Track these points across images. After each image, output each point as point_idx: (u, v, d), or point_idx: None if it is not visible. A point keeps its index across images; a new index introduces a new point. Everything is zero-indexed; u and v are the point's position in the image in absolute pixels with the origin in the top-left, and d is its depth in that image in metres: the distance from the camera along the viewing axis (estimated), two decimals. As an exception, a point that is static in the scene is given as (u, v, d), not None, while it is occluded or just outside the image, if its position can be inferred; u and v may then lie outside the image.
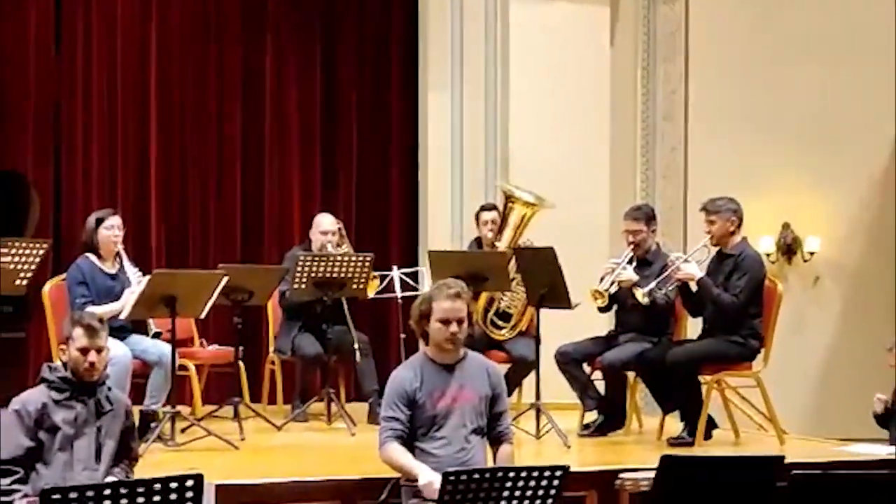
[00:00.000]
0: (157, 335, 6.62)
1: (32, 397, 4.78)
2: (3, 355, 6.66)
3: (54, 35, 8.48)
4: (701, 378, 6.74)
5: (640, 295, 6.75)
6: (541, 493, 4.46)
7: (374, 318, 8.47)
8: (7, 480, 4.62)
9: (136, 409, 6.63)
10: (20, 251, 6.20)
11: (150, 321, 6.70)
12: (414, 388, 4.98)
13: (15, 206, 7.09)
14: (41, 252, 6.31)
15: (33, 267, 6.28)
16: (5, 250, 6.14)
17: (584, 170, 8.63)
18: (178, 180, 8.82)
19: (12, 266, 6.17)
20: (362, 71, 9.27)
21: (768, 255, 9.14)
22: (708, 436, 6.72)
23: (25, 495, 4.64)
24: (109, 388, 4.93)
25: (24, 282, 6.28)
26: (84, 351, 4.76)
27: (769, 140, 9.04)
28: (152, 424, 6.54)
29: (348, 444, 6.80)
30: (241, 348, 7.30)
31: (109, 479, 4.73)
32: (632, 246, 7.00)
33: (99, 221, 6.86)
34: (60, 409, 4.76)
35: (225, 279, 6.59)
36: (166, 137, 8.76)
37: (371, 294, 7.53)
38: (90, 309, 6.60)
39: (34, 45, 8.41)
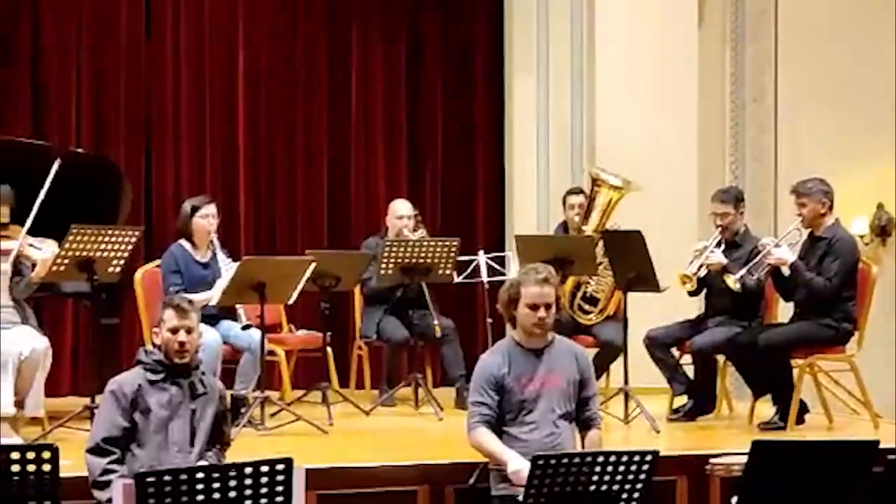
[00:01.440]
0: (247, 327, 6.67)
1: (128, 379, 4.85)
2: (98, 342, 6.77)
3: (144, 23, 8.58)
4: (793, 362, 6.66)
5: (732, 281, 6.69)
6: (630, 477, 4.44)
7: (460, 303, 8.47)
8: (104, 461, 4.70)
9: (226, 395, 6.75)
10: (114, 239, 6.29)
11: (241, 312, 6.75)
12: (502, 372, 4.98)
13: (108, 195, 7.19)
14: (133, 240, 6.39)
15: (126, 254, 6.36)
16: (100, 238, 6.23)
17: (671, 152, 8.53)
18: (265, 168, 8.89)
19: (106, 254, 6.27)
20: (447, 56, 9.25)
21: (862, 236, 8.96)
22: (800, 420, 6.64)
23: (122, 476, 4.71)
24: (203, 373, 4.98)
25: (118, 269, 6.37)
26: (174, 331, 4.81)
27: (860, 121, 8.86)
28: (242, 409, 6.61)
29: (436, 429, 6.83)
30: (328, 333, 7.35)
31: (202, 463, 4.79)
32: (719, 229, 6.93)
33: (194, 209, 6.93)
34: (155, 391, 4.81)
35: (312, 265, 6.63)
36: (254, 125, 8.83)
37: (456, 278, 7.53)
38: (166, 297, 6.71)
39: (125, 33, 8.51)
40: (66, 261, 6.18)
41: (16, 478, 4.02)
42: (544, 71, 9.01)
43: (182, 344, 4.83)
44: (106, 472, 4.69)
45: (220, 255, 6.89)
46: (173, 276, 6.80)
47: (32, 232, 6.27)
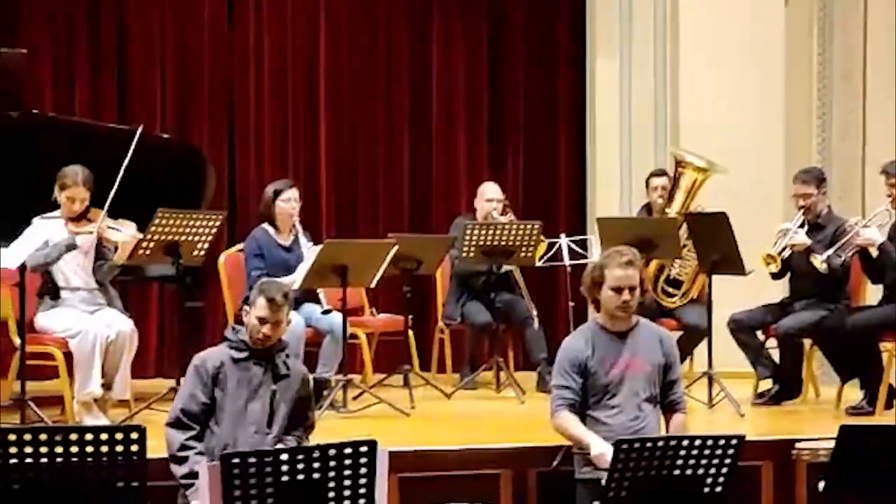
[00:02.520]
0: (327, 312, 6.71)
1: (213, 355, 4.89)
2: (183, 324, 6.85)
3: (227, 11, 8.64)
4: (881, 345, 6.55)
5: (818, 262, 6.58)
6: (716, 462, 4.39)
7: (542, 286, 8.44)
8: (183, 436, 4.75)
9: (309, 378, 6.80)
10: (198, 223, 6.36)
11: (322, 298, 6.79)
12: (586, 356, 4.96)
13: (192, 180, 7.27)
14: (217, 224, 6.47)
15: (210, 238, 6.44)
16: (185, 222, 6.30)
17: (756, 133, 8.40)
18: (347, 152, 8.91)
19: (191, 238, 6.34)
20: (529, 39, 9.19)
21: (952, 218, 8.77)
22: (889, 405, 6.53)
23: (200, 452, 4.75)
24: (288, 356, 5.00)
25: (202, 253, 6.44)
26: (261, 321, 4.83)
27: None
28: (325, 392, 6.65)
29: (518, 413, 6.81)
30: (410, 317, 7.37)
31: (280, 446, 4.81)
32: (802, 210, 6.83)
33: (277, 193, 6.98)
34: (237, 369, 4.84)
35: (394, 248, 6.64)
36: (335, 110, 8.86)
37: (537, 261, 7.51)
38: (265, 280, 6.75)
39: (208, 22, 8.58)
40: (152, 244, 6.27)
41: (104, 458, 4.07)
42: (627, 51, 8.91)
43: (266, 336, 4.85)
44: (183, 447, 4.74)
45: (302, 239, 6.93)
46: (256, 259, 6.86)
47: (119, 216, 6.36)
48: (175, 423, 4.79)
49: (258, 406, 4.84)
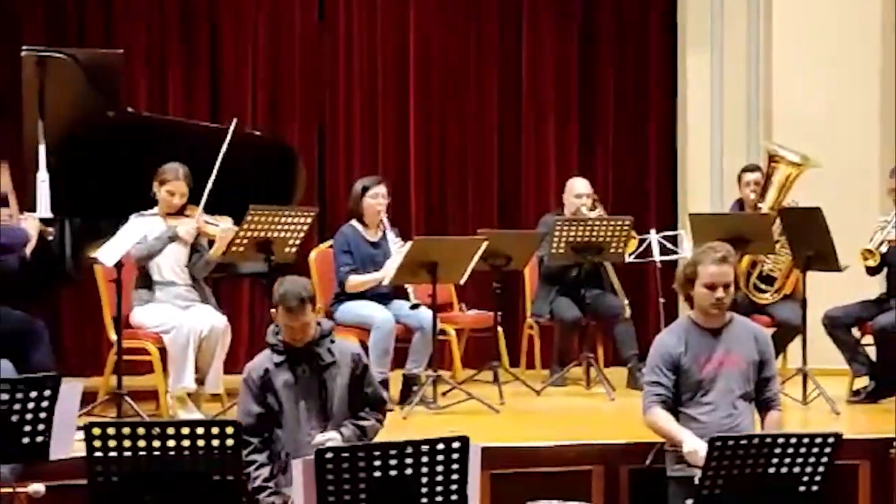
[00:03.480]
0: (415, 306, 6.73)
1: (256, 364, 4.89)
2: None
3: (318, 7, 8.70)
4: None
5: (915, 258, 6.47)
6: (812, 461, 4.32)
7: (632, 282, 8.37)
8: (244, 451, 4.66)
9: (399, 373, 6.84)
10: (290, 220, 6.41)
11: (411, 293, 6.81)
12: (679, 352, 4.92)
13: (283, 176, 7.33)
14: (309, 220, 6.52)
15: (302, 235, 6.49)
16: (277, 219, 6.36)
17: (852, 126, 8.25)
18: (436, 148, 8.92)
19: (283, 234, 6.39)
20: (619, 32, 9.13)
21: None
22: None
23: (261, 465, 4.75)
24: (332, 341, 4.91)
25: (294, 249, 6.50)
26: (288, 326, 4.79)
27: None
28: (414, 388, 6.67)
29: (608, 409, 6.78)
30: (499, 313, 7.36)
31: (345, 430, 4.78)
32: (897, 205, 6.72)
33: (365, 189, 7.02)
34: (281, 372, 4.83)
35: (484, 244, 6.64)
36: (425, 105, 8.87)
37: (627, 257, 7.46)
38: (353, 277, 6.80)
39: (299, 18, 8.64)
40: (244, 241, 6.33)
41: (201, 452, 4.13)
42: (719, 45, 8.80)
43: (298, 338, 4.80)
44: (245, 464, 4.68)
45: (390, 235, 6.97)
46: (344, 256, 6.90)
47: (211, 212, 6.44)
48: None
49: (312, 402, 4.82)
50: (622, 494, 5.43)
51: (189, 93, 8.48)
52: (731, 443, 4.27)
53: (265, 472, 4.74)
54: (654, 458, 5.12)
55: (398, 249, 6.76)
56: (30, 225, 6.08)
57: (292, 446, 4.73)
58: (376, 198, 6.98)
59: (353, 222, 7.02)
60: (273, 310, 4.87)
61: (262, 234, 6.34)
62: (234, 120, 6.59)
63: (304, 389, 4.83)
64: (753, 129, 8.64)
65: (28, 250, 5.96)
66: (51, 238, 6.21)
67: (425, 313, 6.67)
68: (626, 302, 7.41)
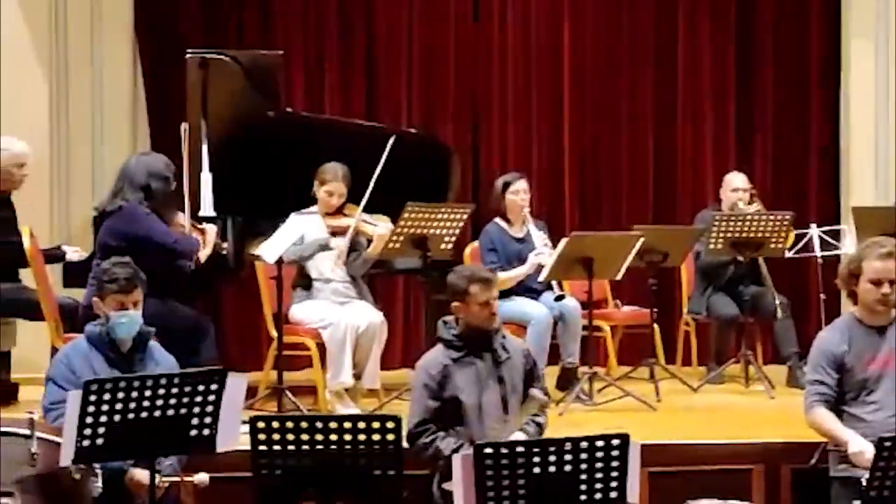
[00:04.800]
0: (560, 298, 6.72)
1: (432, 360, 4.94)
2: (430, 317, 6.93)
3: (472, 7, 8.73)
4: None
5: None
6: None
7: (792, 278, 8.21)
8: (421, 441, 4.81)
9: (556, 367, 6.83)
10: (445, 216, 6.46)
11: (554, 284, 6.80)
12: (842, 350, 4.81)
13: (438, 174, 7.38)
14: (464, 217, 6.56)
15: (457, 231, 6.54)
16: (433, 216, 6.41)
17: None
18: (590, 143, 8.87)
19: (439, 231, 6.44)
20: (779, 19, 8.92)
21: None
22: None
23: (444, 435, 4.80)
24: (504, 336, 4.98)
25: (449, 246, 6.54)
26: (484, 304, 4.86)
27: None
28: (572, 380, 6.66)
29: (768, 408, 6.66)
30: (655, 310, 7.29)
31: (529, 428, 4.81)
32: None
33: (506, 185, 7.05)
34: (461, 367, 4.88)
35: (641, 240, 6.59)
36: (579, 101, 8.82)
37: (787, 252, 7.31)
38: (500, 274, 6.81)
39: (454, 16, 8.68)
40: (401, 238, 6.40)
41: (361, 447, 4.19)
42: (884, 34, 8.53)
43: (493, 313, 4.86)
44: (426, 446, 4.80)
45: (533, 229, 6.96)
46: (490, 254, 6.94)
47: (367, 210, 6.52)
48: (411, 439, 4.81)
49: (493, 398, 4.87)
50: (783, 494, 5.34)
51: (345, 92, 8.60)
52: (900, 443, 4.16)
53: (452, 440, 4.77)
54: (818, 458, 5.01)
55: (544, 244, 6.78)
56: (209, 230, 6.27)
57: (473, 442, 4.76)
58: (517, 193, 7.00)
59: (497, 219, 7.06)
60: (455, 303, 4.91)
61: (419, 230, 6.40)
62: (393, 137, 6.63)
63: (484, 384, 4.88)
64: (925, 119, 8.38)
65: (203, 256, 6.15)
66: (224, 252, 6.38)
67: (569, 302, 6.66)
68: (779, 301, 7.23)
